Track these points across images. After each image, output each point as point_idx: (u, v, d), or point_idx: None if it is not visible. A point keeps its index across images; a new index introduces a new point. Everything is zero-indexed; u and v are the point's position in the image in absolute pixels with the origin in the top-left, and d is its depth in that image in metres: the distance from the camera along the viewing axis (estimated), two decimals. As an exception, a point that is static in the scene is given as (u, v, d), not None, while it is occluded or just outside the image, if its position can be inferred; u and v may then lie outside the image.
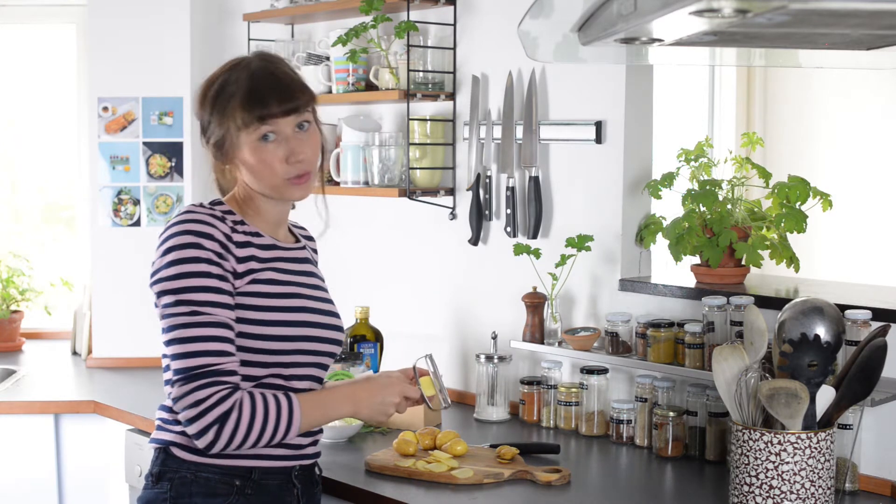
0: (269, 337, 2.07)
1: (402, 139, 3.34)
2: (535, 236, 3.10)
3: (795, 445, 2.13)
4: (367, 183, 3.38)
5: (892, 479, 2.45)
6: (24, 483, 3.45)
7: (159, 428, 2.14)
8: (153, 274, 2.06)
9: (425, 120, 3.30)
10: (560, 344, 2.99)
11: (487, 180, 3.22)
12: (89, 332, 3.96)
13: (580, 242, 2.93)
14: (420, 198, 3.31)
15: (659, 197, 2.93)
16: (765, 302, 2.60)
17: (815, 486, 2.14)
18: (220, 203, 2.15)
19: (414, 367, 2.23)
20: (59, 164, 4.55)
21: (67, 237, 4.57)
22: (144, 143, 3.87)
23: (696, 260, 2.90)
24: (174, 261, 2.02)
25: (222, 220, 2.07)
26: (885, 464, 2.47)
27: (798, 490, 2.13)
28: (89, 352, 3.98)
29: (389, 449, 2.71)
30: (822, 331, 2.23)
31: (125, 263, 3.82)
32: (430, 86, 3.31)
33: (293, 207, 2.27)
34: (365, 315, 3.25)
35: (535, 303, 3.02)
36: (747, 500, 2.17)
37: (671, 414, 2.71)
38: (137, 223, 3.88)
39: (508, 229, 3.17)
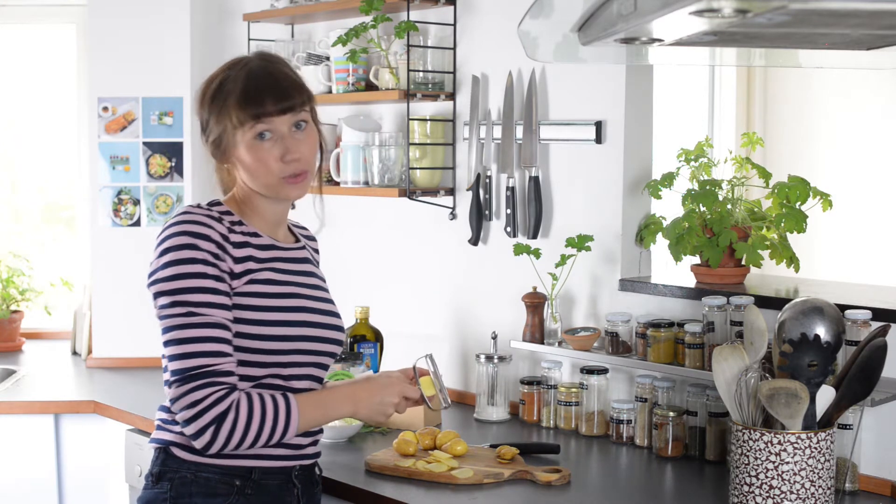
0: (266, 337, 2.07)
1: (402, 139, 3.34)
2: (535, 236, 3.10)
3: (795, 445, 2.13)
4: (367, 183, 3.38)
5: (892, 479, 2.45)
6: (24, 483, 3.45)
7: (159, 428, 2.14)
8: (150, 275, 2.06)
9: (425, 120, 3.30)
10: (560, 344, 2.99)
11: (487, 180, 3.22)
12: (89, 332, 3.97)
13: (580, 242, 2.93)
14: (420, 198, 3.31)
15: (659, 197, 2.93)
16: (765, 302, 2.60)
17: (815, 486, 2.14)
18: (219, 204, 2.15)
19: (414, 367, 2.23)
20: (59, 164, 4.55)
21: (67, 237, 4.57)
22: (144, 143, 3.87)
23: (696, 260, 2.90)
24: (170, 262, 2.03)
25: (219, 220, 2.08)
26: (885, 464, 2.47)
27: (798, 490, 2.13)
28: (89, 352, 3.98)
29: (389, 449, 2.71)
30: (822, 331, 2.23)
31: (125, 263, 3.82)
32: (430, 86, 3.31)
33: (293, 207, 2.27)
34: (365, 315, 3.25)
35: (535, 303, 3.02)
36: (747, 500, 2.17)
37: (671, 414, 2.71)
38: (137, 223, 3.88)
39: (508, 229, 3.17)
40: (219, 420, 1.99)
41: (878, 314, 2.43)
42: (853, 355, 2.26)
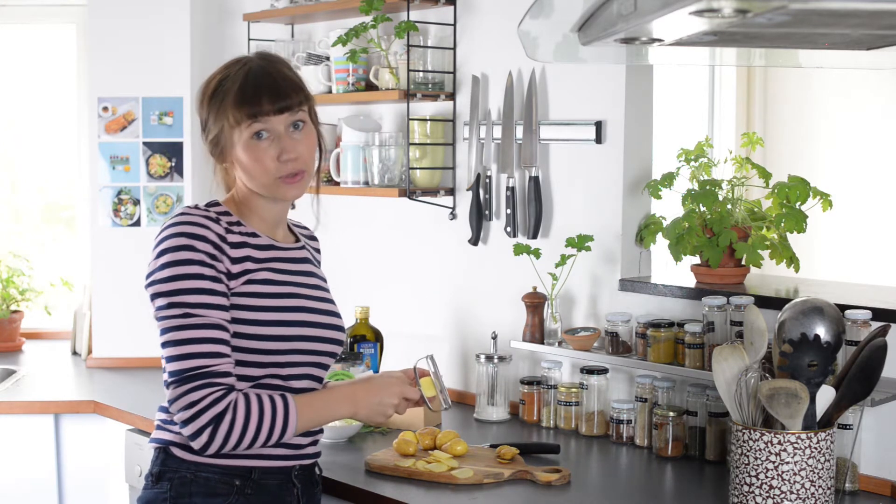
0: (264, 337, 2.08)
1: (402, 139, 3.34)
2: (535, 236, 3.10)
3: (795, 445, 2.13)
4: (367, 183, 3.38)
5: (892, 479, 2.45)
6: (24, 483, 3.45)
7: (159, 428, 2.15)
8: (148, 276, 2.06)
9: (425, 120, 3.30)
10: (560, 344, 2.99)
11: (487, 180, 3.22)
12: (89, 332, 3.97)
13: (580, 242, 2.93)
14: (420, 198, 3.31)
15: (659, 197, 2.93)
16: (765, 302, 2.60)
17: (815, 486, 2.14)
18: (217, 204, 2.16)
19: (415, 368, 2.23)
20: (59, 164, 4.55)
21: (67, 237, 4.57)
22: (144, 143, 3.87)
23: (696, 260, 2.90)
24: (167, 263, 2.03)
25: (216, 221, 2.08)
26: (885, 464, 2.47)
27: (798, 490, 2.13)
28: (89, 352, 3.98)
29: (389, 449, 2.71)
30: (822, 331, 2.23)
31: (125, 263, 3.82)
32: (430, 86, 3.31)
33: (293, 207, 2.27)
34: (365, 315, 3.25)
35: (535, 303, 3.02)
36: (747, 500, 2.17)
37: (671, 414, 2.71)
38: (137, 223, 3.88)
39: (508, 229, 3.17)
40: (216, 421, 1.99)
41: (878, 314, 2.43)
42: (853, 355, 2.26)
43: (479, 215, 3.23)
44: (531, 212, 3.10)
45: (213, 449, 2.01)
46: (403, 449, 2.65)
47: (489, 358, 3.09)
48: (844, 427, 2.43)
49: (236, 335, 2.06)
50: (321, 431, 2.24)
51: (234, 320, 2.06)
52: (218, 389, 2.00)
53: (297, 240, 2.28)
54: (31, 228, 4.63)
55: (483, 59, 3.25)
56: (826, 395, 2.20)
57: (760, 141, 3.03)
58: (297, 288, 2.15)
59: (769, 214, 2.84)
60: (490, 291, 3.27)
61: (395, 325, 3.45)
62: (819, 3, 1.69)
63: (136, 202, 3.88)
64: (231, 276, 2.06)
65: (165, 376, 2.04)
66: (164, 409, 2.13)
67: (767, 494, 2.15)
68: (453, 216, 3.35)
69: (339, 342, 2.22)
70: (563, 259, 2.96)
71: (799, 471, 2.13)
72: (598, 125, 2.99)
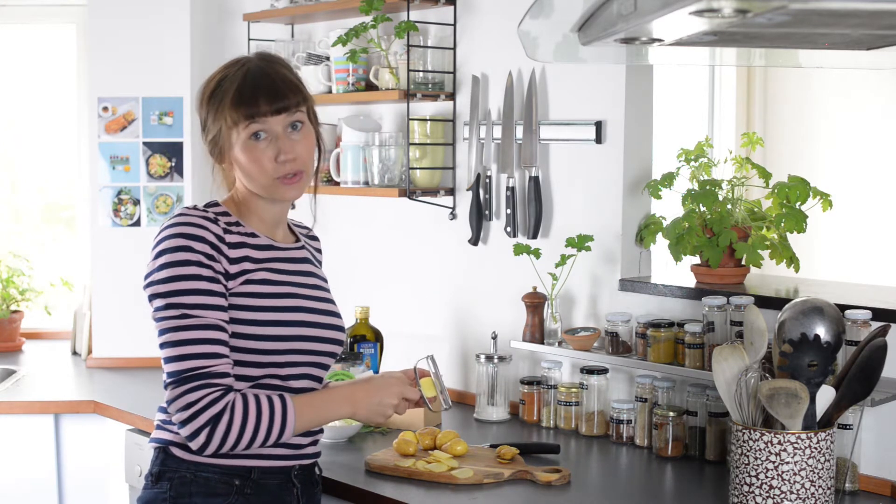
0: (263, 337, 2.08)
1: (402, 139, 3.34)
2: (535, 236, 3.10)
3: (795, 445, 2.13)
4: (367, 183, 3.38)
5: (892, 479, 2.45)
6: (24, 483, 3.45)
7: (159, 428, 2.15)
8: (146, 277, 2.07)
9: (425, 120, 3.30)
10: (560, 344, 2.99)
11: (487, 180, 3.22)
12: (89, 332, 3.97)
13: (580, 242, 2.93)
14: (420, 198, 3.31)
15: (659, 197, 2.93)
16: (765, 302, 2.60)
17: (815, 486, 2.14)
18: (216, 205, 2.16)
19: (415, 368, 2.23)
20: (59, 164, 4.55)
21: (67, 237, 4.57)
22: (144, 143, 3.87)
23: (696, 260, 2.90)
24: (165, 264, 2.03)
25: (215, 221, 2.08)
26: (885, 464, 2.47)
27: (798, 490, 2.13)
28: (89, 352, 3.98)
29: (389, 449, 2.71)
30: (822, 331, 2.23)
31: (125, 263, 3.82)
32: (430, 86, 3.31)
33: (293, 207, 2.27)
34: (365, 315, 3.25)
35: (535, 303, 3.02)
36: (747, 500, 2.17)
37: (671, 414, 2.71)
38: (137, 223, 3.88)
39: (508, 229, 3.17)
40: (214, 421, 1.99)
41: (878, 314, 2.43)
42: (853, 355, 2.26)
43: (479, 215, 3.23)
44: (531, 212, 3.10)
45: (210, 449, 2.01)
46: (403, 449, 2.65)
47: (489, 358, 3.09)
48: (844, 427, 2.43)
49: (235, 335, 2.06)
50: (321, 431, 2.24)
51: (233, 320, 2.06)
52: (215, 390, 2.00)
53: (298, 240, 2.28)
54: (31, 228, 4.63)
55: (483, 59, 3.25)
56: (826, 395, 2.20)
57: (760, 141, 3.03)
58: (296, 288, 2.15)
59: (769, 214, 2.84)
60: (490, 291, 3.26)
61: (395, 325, 3.45)
62: (819, 3, 1.69)
63: (136, 202, 3.88)
64: (229, 276, 2.06)
65: (164, 377, 2.05)
66: (164, 410, 2.13)
67: (767, 494, 2.15)
68: (453, 216, 3.35)
69: (338, 342, 2.21)
70: (563, 259, 2.96)
71: (799, 471, 2.13)
72: (598, 125, 2.99)
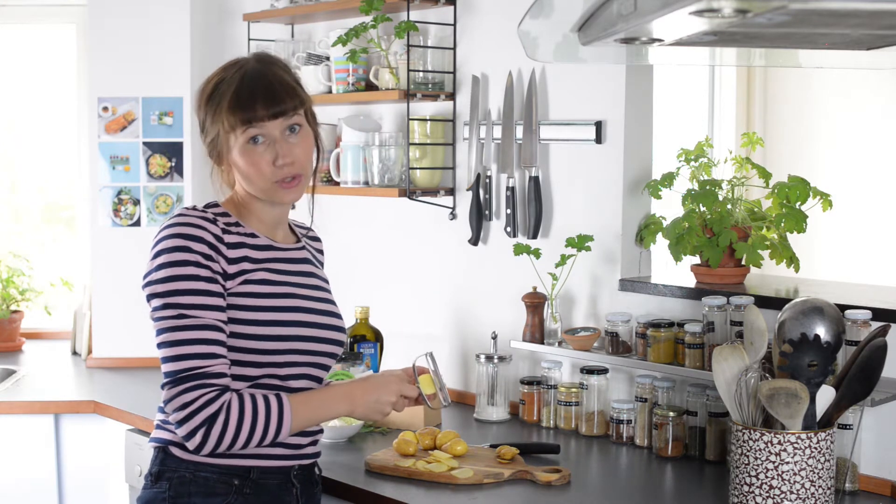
0: (261, 337, 2.08)
1: (402, 139, 3.34)
2: (535, 236, 3.10)
3: (795, 445, 2.13)
4: (367, 183, 3.38)
5: (892, 479, 2.45)
6: (24, 483, 3.45)
7: (158, 427, 2.15)
8: (144, 277, 2.07)
9: (425, 120, 3.30)
10: (560, 344, 2.99)
11: (487, 180, 3.22)
12: (89, 332, 3.97)
13: (580, 242, 2.93)
14: (420, 198, 3.31)
15: (659, 197, 2.93)
16: (765, 302, 2.60)
17: (815, 486, 2.14)
18: (216, 205, 2.16)
19: (413, 366, 2.23)
20: (59, 164, 4.55)
21: (67, 237, 4.57)
22: (144, 143, 3.87)
23: (696, 260, 2.90)
24: (162, 264, 2.03)
25: (213, 221, 2.08)
26: (885, 464, 2.47)
27: (798, 490, 2.13)
28: (89, 352, 3.98)
29: (389, 449, 2.71)
30: (822, 331, 2.23)
31: (125, 263, 3.82)
32: (430, 86, 3.31)
33: (293, 208, 2.27)
34: (365, 315, 3.25)
35: (535, 303, 3.02)
36: (747, 500, 2.17)
37: (671, 414, 2.71)
38: (137, 223, 3.88)
39: (508, 229, 3.17)
40: (210, 421, 1.99)
41: (878, 314, 2.43)
42: (853, 355, 2.26)
43: (479, 215, 3.23)
44: (531, 212, 3.10)
45: (207, 449, 2.01)
46: (403, 449, 2.65)
47: (489, 358, 3.09)
48: (844, 427, 2.43)
49: (234, 335, 2.06)
50: (321, 431, 2.24)
51: (232, 320, 2.06)
52: (212, 390, 2.00)
53: (298, 240, 2.28)
54: (31, 228, 4.63)
55: (483, 59, 3.25)
56: (826, 395, 2.20)
57: (760, 141, 3.03)
58: (296, 288, 2.15)
59: (769, 214, 2.84)
60: (490, 291, 3.26)
61: (395, 325, 3.45)
62: (819, 3, 1.69)
63: (136, 202, 3.88)
64: (227, 276, 2.06)
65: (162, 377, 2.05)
66: (164, 409, 2.13)
67: (767, 494, 2.15)
68: (453, 216, 3.35)
69: (338, 343, 2.21)
70: (563, 259, 2.96)
71: (799, 471, 2.13)
72: (598, 125, 2.99)
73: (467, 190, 3.26)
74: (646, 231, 2.96)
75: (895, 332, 2.39)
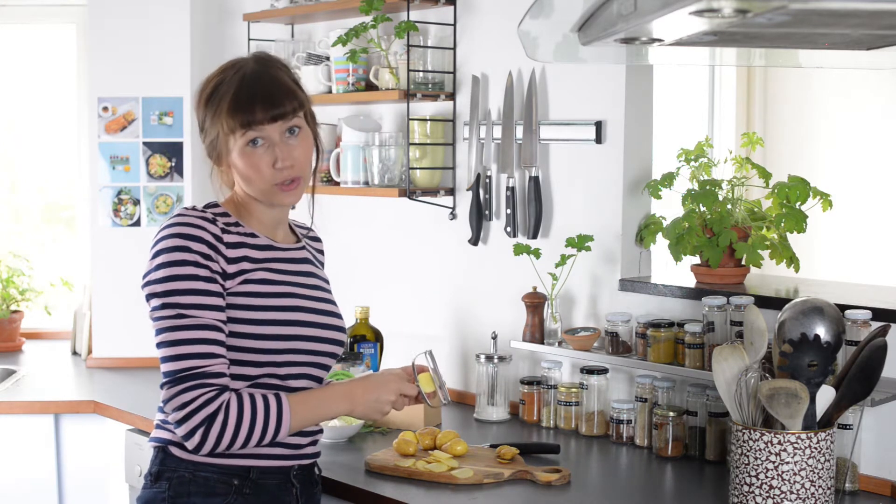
0: (260, 336, 2.08)
1: (402, 139, 3.34)
2: (535, 236, 3.10)
3: (795, 445, 2.13)
4: (367, 183, 3.38)
5: (892, 479, 2.45)
6: (24, 483, 3.45)
7: (158, 427, 2.15)
8: (143, 277, 2.07)
9: (425, 120, 3.30)
10: (560, 344, 2.99)
11: (487, 180, 3.22)
12: (89, 332, 3.97)
13: (580, 242, 2.93)
14: (420, 198, 3.31)
15: (659, 197, 2.93)
16: (765, 302, 2.60)
17: (815, 486, 2.14)
18: (215, 206, 2.16)
19: (413, 364, 2.23)
20: (59, 164, 4.55)
21: (67, 237, 4.57)
22: (144, 143, 3.87)
23: (696, 260, 2.90)
24: (161, 264, 2.04)
25: (213, 221, 2.08)
26: (885, 464, 2.47)
27: (798, 490, 2.13)
28: (89, 352, 3.98)
29: (389, 449, 2.71)
30: (822, 331, 2.23)
31: (125, 263, 3.82)
32: (430, 86, 3.31)
33: (293, 208, 2.27)
34: (365, 315, 3.26)
35: (535, 303, 3.02)
36: (747, 500, 2.17)
37: (671, 414, 2.71)
38: (137, 223, 3.88)
39: (508, 229, 3.17)
40: (208, 421, 1.99)
41: (878, 314, 2.43)
42: (853, 355, 2.26)
43: (479, 215, 3.23)
44: (531, 212, 3.10)
45: (206, 449, 2.01)
46: (403, 449, 2.65)
47: (489, 358, 3.09)
48: (844, 427, 2.43)
49: (233, 334, 2.06)
50: (321, 431, 2.24)
51: (231, 320, 2.06)
52: (210, 390, 2.00)
53: (298, 240, 2.28)
54: (31, 228, 4.63)
55: (483, 59, 3.25)
56: (826, 395, 2.20)
57: (760, 141, 3.03)
58: (296, 288, 2.15)
59: (769, 214, 2.84)
60: (490, 291, 3.26)
61: (395, 325, 3.45)
62: (819, 3, 1.69)
63: (136, 202, 3.88)
64: (226, 276, 2.06)
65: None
66: (163, 409, 2.13)
67: (767, 494, 2.15)
68: (453, 216, 3.35)
69: (338, 343, 2.21)
70: (563, 259, 2.96)
71: (799, 471, 2.13)
72: (598, 125, 2.99)
73: (467, 190, 3.26)
74: (646, 231, 2.96)
75: (895, 332, 2.39)
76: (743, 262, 2.84)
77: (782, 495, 2.14)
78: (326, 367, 2.21)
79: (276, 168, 2.09)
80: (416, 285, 3.48)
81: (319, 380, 2.20)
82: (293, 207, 2.25)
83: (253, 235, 2.14)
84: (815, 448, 2.14)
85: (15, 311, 4.20)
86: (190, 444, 2.01)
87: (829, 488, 2.17)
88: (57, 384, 3.67)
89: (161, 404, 2.08)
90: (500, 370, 3.09)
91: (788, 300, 2.37)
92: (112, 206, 3.87)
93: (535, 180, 3.10)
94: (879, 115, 4.60)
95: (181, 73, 3.86)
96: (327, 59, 3.52)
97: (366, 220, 3.62)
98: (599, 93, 3.00)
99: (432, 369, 2.23)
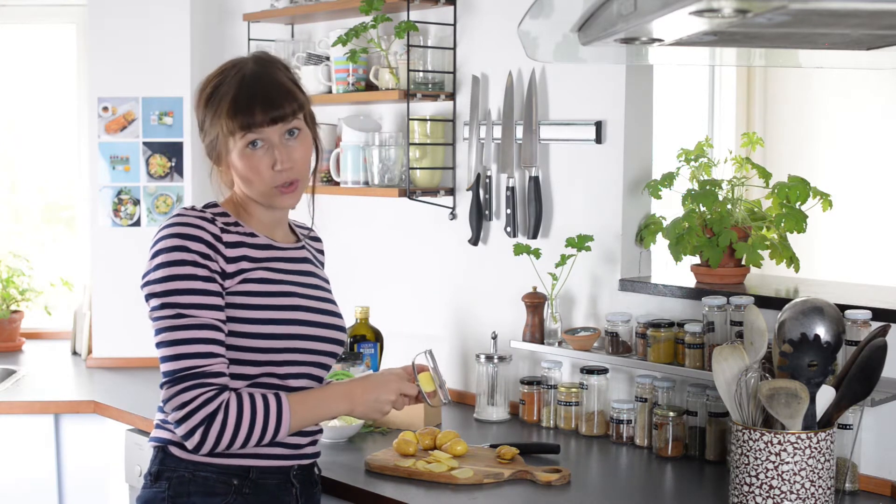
0: (260, 335, 2.08)
1: (402, 139, 3.34)
2: (535, 236, 3.10)
3: (795, 445, 2.13)
4: (367, 183, 3.38)
5: (892, 479, 2.45)
6: (24, 483, 3.45)
7: (158, 427, 2.15)
8: (143, 277, 2.07)
9: (425, 120, 3.30)
10: (560, 344, 2.99)
11: (487, 180, 3.22)
12: (89, 332, 3.97)
13: (580, 242, 2.93)
14: (420, 198, 3.31)
15: (659, 197, 2.93)
16: (765, 302, 2.60)
17: (815, 486, 2.14)
18: (215, 205, 2.16)
19: (413, 364, 2.23)
20: (59, 164, 4.55)
21: (67, 237, 4.57)
22: (144, 143, 3.87)
23: (696, 260, 2.90)
24: (160, 264, 2.04)
25: (212, 221, 2.08)
26: (885, 464, 2.47)
27: (798, 490, 2.13)
28: (89, 352, 3.98)
29: (389, 449, 2.71)
30: (822, 331, 2.23)
31: (125, 263, 3.82)
32: (430, 86, 3.31)
33: (293, 208, 2.27)
34: (365, 315, 3.26)
35: (535, 303, 3.02)
36: (747, 500, 2.17)
37: (671, 414, 2.71)
38: (137, 223, 3.88)
39: (508, 229, 3.17)
40: (208, 421, 1.99)
41: (878, 314, 2.43)
42: (853, 355, 2.26)
43: (479, 215, 3.23)
44: (531, 212, 3.10)
45: (205, 449, 2.01)
46: (403, 449, 2.65)
47: (489, 358, 3.09)
48: (844, 427, 2.43)
49: (232, 334, 2.06)
50: (320, 431, 2.24)
51: (231, 319, 2.06)
52: (210, 389, 2.00)
53: (298, 240, 2.28)
54: (31, 228, 4.63)
55: (483, 59, 3.25)
56: (826, 395, 2.20)
57: (760, 141, 3.03)
58: (295, 287, 2.15)
59: (769, 214, 2.84)
60: (490, 291, 3.27)
61: (395, 325, 3.45)
62: (819, 3, 1.69)
63: (136, 202, 3.88)
64: (226, 275, 2.06)
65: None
66: (163, 409, 2.13)
67: (767, 494, 2.15)
68: (453, 216, 3.35)
69: (338, 342, 2.21)
70: (563, 259, 2.96)
71: (799, 471, 2.13)
72: (598, 125, 2.99)
73: (467, 190, 3.26)
74: (646, 231, 2.96)
75: (895, 332, 2.39)
76: (743, 262, 2.84)
77: (782, 495, 2.14)
78: (326, 367, 2.21)
79: (275, 170, 2.09)
80: (416, 285, 3.48)
81: (319, 379, 2.20)
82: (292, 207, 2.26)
83: (252, 235, 2.14)
84: (815, 448, 2.14)
85: (15, 311, 4.20)
86: (190, 444, 2.02)
87: (829, 488, 2.17)
88: (57, 384, 3.67)
89: (161, 404, 2.08)
90: (500, 370, 3.09)
91: (788, 300, 2.37)
92: (112, 206, 3.87)
93: (535, 180, 3.10)
94: (879, 115, 4.60)
95: (181, 73, 3.86)
96: (327, 59, 3.52)
97: (366, 220, 3.62)
98: (599, 93, 3.00)
99: (432, 369, 2.22)
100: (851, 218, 4.44)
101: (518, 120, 3.14)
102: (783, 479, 2.13)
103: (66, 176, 4.52)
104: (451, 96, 3.31)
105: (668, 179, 2.90)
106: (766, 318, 2.27)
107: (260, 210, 2.16)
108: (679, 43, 2.12)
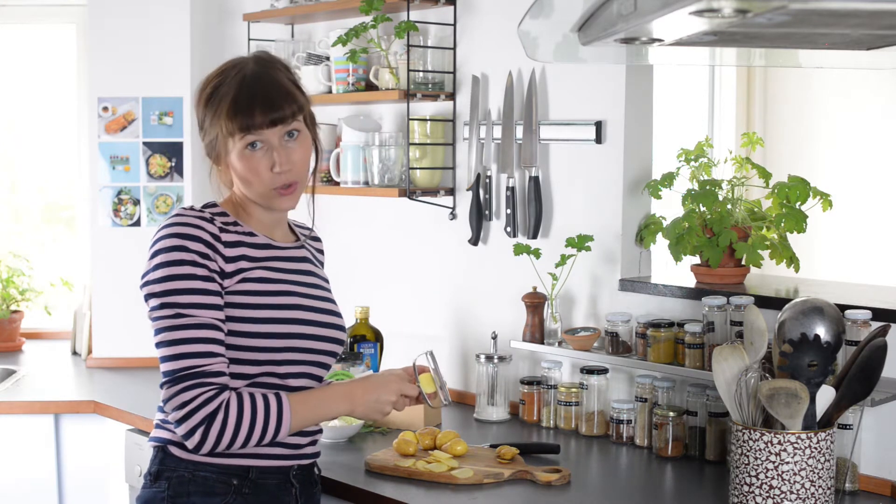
0: (259, 335, 2.08)
1: (402, 139, 3.34)
2: (535, 236, 3.10)
3: (795, 445, 2.13)
4: (367, 183, 3.38)
5: (892, 479, 2.45)
6: (24, 483, 3.45)
7: (158, 427, 2.15)
8: (142, 277, 2.07)
9: (425, 120, 3.30)
10: (560, 344, 2.99)
11: (487, 180, 3.22)
12: (89, 332, 3.97)
13: (580, 242, 2.93)
14: (420, 198, 3.31)
15: (659, 197, 2.93)
16: (765, 302, 2.60)
17: (815, 486, 2.14)
18: (214, 205, 2.16)
19: (413, 365, 2.23)
20: (59, 164, 4.55)
21: (67, 237, 4.57)
22: (144, 143, 3.87)
23: (696, 260, 2.90)
24: (160, 264, 2.04)
25: (211, 220, 2.08)
26: (885, 464, 2.47)
27: (798, 490, 2.13)
28: (89, 352, 3.98)
29: (389, 449, 2.71)
30: (822, 331, 2.23)
31: (125, 263, 3.82)
32: (430, 86, 3.31)
33: (291, 209, 2.27)
34: (365, 315, 3.25)
35: (535, 303, 3.02)
36: (747, 500, 2.17)
37: (671, 414, 2.71)
38: (137, 223, 3.88)
39: (508, 229, 3.17)
40: (208, 420, 1.99)
41: (878, 314, 2.43)
42: (853, 355, 2.26)
43: (479, 215, 3.23)
44: (531, 212, 3.10)
45: (206, 448, 2.01)
46: (403, 449, 2.65)
47: (489, 358, 3.09)
48: (844, 427, 2.43)
49: (232, 333, 2.06)
50: (320, 431, 2.24)
51: (230, 318, 2.06)
52: (210, 389, 2.00)
53: (298, 239, 2.28)
54: (31, 228, 4.63)
55: (483, 59, 3.25)
56: (826, 395, 2.20)
57: (760, 141, 3.03)
58: (295, 286, 2.15)
59: (769, 214, 2.84)
60: (490, 291, 3.26)
61: (395, 325, 3.45)
62: (819, 3, 1.69)
63: (136, 202, 3.88)
64: (225, 274, 2.06)
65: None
66: (163, 409, 2.13)
67: (767, 494, 2.15)
68: (453, 216, 3.35)
69: (338, 342, 2.21)
70: (563, 259, 2.96)
71: (799, 471, 2.13)
72: (598, 125, 2.99)
73: (467, 190, 3.26)
74: (646, 231, 2.96)
75: (895, 332, 2.39)
76: (743, 262, 2.84)
77: (782, 495, 2.14)
78: (326, 367, 2.21)
79: (273, 172, 2.09)
80: (416, 285, 3.48)
81: (319, 379, 2.20)
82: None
83: (251, 234, 2.14)
84: (815, 448, 2.14)
85: (15, 311, 4.20)
86: (190, 444, 2.02)
87: (829, 488, 2.17)
88: (57, 384, 3.67)
89: (161, 404, 2.08)
90: (500, 370, 3.09)
91: (788, 300, 2.37)
92: (112, 206, 3.87)
93: (535, 180, 3.10)
94: (879, 115, 4.60)
95: (181, 73, 3.86)
96: (327, 59, 3.52)
97: (366, 220, 3.62)
98: (599, 93, 3.00)
99: (433, 370, 2.22)
100: (851, 218, 4.44)
101: (518, 120, 3.14)
102: (783, 479, 2.13)
103: (66, 176, 4.52)
104: (451, 96, 3.31)
105: (668, 179, 2.90)
106: (766, 318, 2.27)
107: (259, 210, 2.16)
108: (679, 43, 2.12)
